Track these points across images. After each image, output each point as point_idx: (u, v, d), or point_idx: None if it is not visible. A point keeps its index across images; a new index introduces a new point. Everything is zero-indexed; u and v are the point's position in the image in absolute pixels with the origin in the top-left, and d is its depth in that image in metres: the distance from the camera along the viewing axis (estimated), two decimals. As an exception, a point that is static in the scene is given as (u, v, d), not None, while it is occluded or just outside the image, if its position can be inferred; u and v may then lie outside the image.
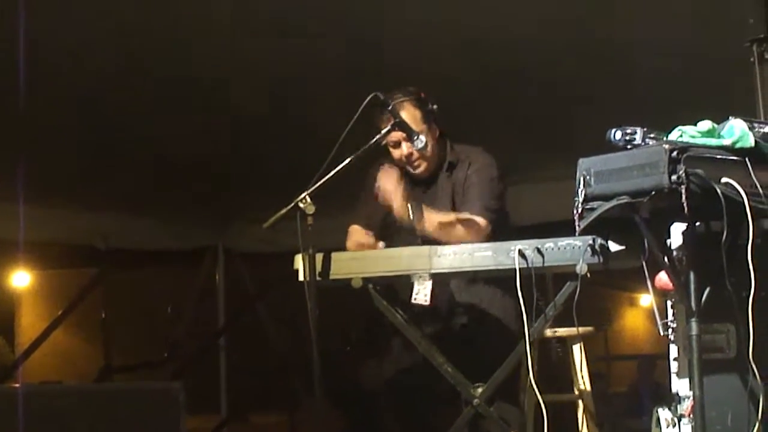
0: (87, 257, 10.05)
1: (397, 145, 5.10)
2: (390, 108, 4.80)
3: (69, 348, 10.89)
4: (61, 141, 7.24)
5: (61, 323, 9.98)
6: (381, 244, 5.02)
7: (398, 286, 4.82)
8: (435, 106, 5.10)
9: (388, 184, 4.93)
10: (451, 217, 4.93)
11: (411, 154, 5.08)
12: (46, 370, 9.74)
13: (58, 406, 5.44)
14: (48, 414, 5.37)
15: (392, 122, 4.83)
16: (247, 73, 6.51)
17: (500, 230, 4.97)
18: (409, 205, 4.86)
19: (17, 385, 7.56)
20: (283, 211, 4.49)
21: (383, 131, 4.84)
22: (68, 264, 10.75)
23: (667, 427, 4.22)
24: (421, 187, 5.17)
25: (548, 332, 5.41)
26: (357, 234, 5.21)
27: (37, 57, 5.78)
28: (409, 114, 4.99)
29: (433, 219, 4.86)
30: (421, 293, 4.67)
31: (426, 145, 4.97)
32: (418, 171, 5.15)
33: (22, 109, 6.28)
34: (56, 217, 8.67)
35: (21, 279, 10.95)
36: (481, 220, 4.93)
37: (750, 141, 3.92)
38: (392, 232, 5.11)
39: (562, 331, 5.49)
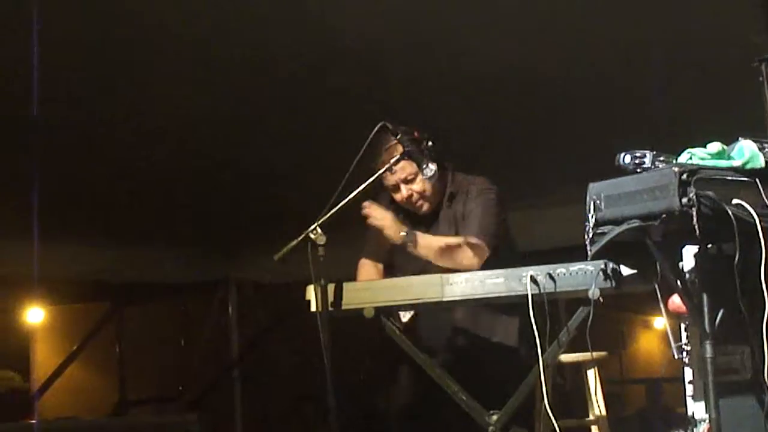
0: (100, 292, 10.08)
1: (396, 188, 5.10)
2: (398, 137, 4.80)
3: (84, 383, 10.88)
4: (72, 176, 7.26)
5: (76, 358, 9.99)
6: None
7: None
8: (430, 143, 4.98)
9: (375, 217, 4.94)
10: (443, 241, 4.93)
11: (411, 195, 5.10)
12: (61, 405, 9.74)
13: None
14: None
15: (401, 152, 4.83)
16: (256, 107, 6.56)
17: (507, 257, 4.96)
18: (404, 233, 4.87)
19: (33, 421, 7.56)
20: (294, 242, 4.50)
21: (392, 160, 4.85)
22: (82, 299, 10.77)
23: (684, 450, 4.21)
24: (423, 224, 5.16)
25: (562, 357, 5.39)
26: (366, 268, 5.21)
27: (46, 89, 5.82)
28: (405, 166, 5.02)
29: (426, 243, 4.87)
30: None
31: (431, 178, 4.96)
32: (422, 211, 5.15)
33: (33, 145, 6.31)
34: (69, 253, 8.69)
35: (35, 315, 10.95)
36: (478, 241, 4.92)
37: (760, 161, 3.92)
38: (403, 261, 5.11)
39: (575, 356, 5.48)
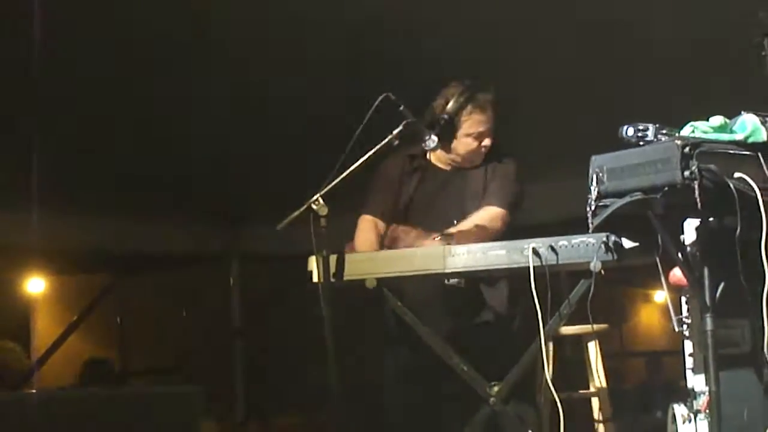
0: (101, 263, 10.09)
1: (482, 136, 5.11)
2: (401, 108, 4.80)
3: (85, 353, 10.91)
4: (75, 147, 7.26)
5: (77, 328, 10.01)
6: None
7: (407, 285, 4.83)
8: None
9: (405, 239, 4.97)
10: (469, 223, 4.93)
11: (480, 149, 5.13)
12: (61, 375, 9.76)
13: (74, 411, 5.45)
14: (64, 419, 5.38)
15: (404, 122, 4.83)
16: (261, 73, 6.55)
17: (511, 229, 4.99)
18: (436, 238, 4.86)
19: (33, 390, 7.58)
20: (296, 213, 4.50)
21: (395, 131, 4.84)
22: (83, 270, 10.78)
23: (683, 423, 4.22)
24: (449, 184, 5.20)
25: (563, 330, 5.40)
26: (365, 225, 5.20)
27: (49, 61, 5.82)
28: (492, 114, 5.07)
29: (461, 236, 4.85)
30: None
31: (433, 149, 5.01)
32: (474, 163, 5.17)
33: (35, 116, 6.31)
34: (70, 223, 8.69)
35: (36, 285, 10.96)
36: (498, 209, 4.99)
37: (762, 135, 3.92)
38: (409, 219, 5.12)
39: (576, 329, 5.49)
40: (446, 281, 4.77)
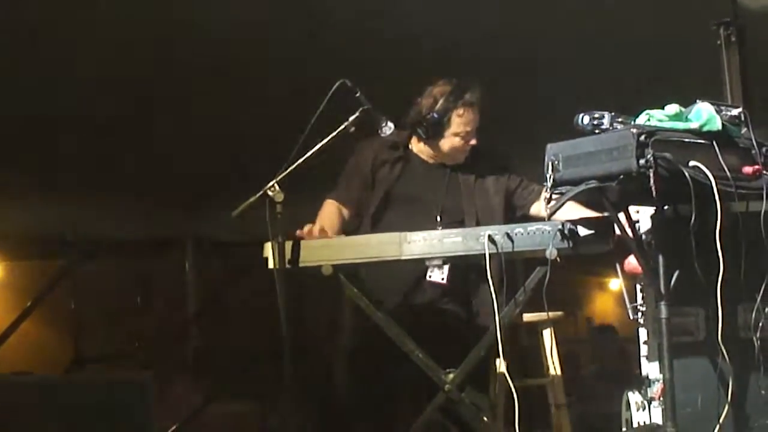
0: (56, 248, 10.01)
1: (469, 135, 5.10)
2: (357, 95, 4.78)
3: (39, 339, 10.84)
4: (29, 130, 7.20)
5: (31, 314, 9.93)
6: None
7: (364, 272, 4.81)
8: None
9: None
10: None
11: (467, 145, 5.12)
12: (16, 361, 9.69)
13: (28, 396, 5.43)
14: (18, 405, 5.35)
15: (360, 109, 4.81)
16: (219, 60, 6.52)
17: None
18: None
19: (-13, 376, 7.53)
20: (252, 199, 4.47)
21: (351, 118, 4.82)
22: (37, 255, 10.70)
23: (637, 410, 4.25)
24: (440, 174, 5.19)
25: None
26: (328, 208, 5.15)
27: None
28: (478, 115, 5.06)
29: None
30: (437, 275, 4.74)
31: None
32: (457, 160, 5.16)
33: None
34: (24, 208, 8.63)
35: (-10, 271, 10.89)
36: None
37: (717, 124, 3.94)
38: (389, 209, 5.11)
39: (531, 317, 5.50)
40: (428, 277, 4.76)
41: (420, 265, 4.71)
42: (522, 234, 4.42)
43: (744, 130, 4.02)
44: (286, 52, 6.49)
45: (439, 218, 4.99)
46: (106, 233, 9.50)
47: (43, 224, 9.09)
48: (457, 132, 5.06)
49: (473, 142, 5.11)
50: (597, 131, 3.96)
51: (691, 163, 3.81)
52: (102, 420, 5.65)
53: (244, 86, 6.89)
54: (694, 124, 3.93)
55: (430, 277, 4.76)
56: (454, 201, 5.09)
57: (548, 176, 3.96)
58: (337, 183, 5.21)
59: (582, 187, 3.88)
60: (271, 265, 4.50)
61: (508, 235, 4.42)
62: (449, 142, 5.09)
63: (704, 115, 3.94)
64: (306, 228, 4.73)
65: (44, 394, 5.54)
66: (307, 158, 4.56)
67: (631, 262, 4.26)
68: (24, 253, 10.56)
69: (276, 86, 6.86)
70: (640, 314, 4.32)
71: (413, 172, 5.18)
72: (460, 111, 5.02)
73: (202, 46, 6.42)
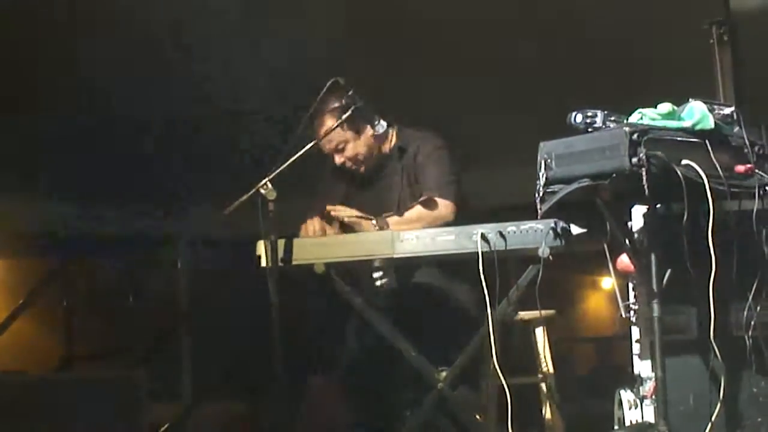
0: (47, 246, 9.98)
1: (337, 151, 5.09)
2: (350, 93, 4.78)
3: (30, 337, 10.80)
4: (19, 128, 7.18)
5: (22, 312, 9.91)
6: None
7: (359, 270, 4.81)
8: (360, 104, 4.84)
9: (344, 218, 4.95)
10: (413, 213, 4.90)
11: (344, 162, 5.12)
12: (7, 359, 9.67)
13: (19, 395, 5.42)
14: (9, 403, 5.34)
15: (353, 107, 4.81)
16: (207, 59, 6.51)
17: (459, 215, 4.98)
18: (372, 223, 4.84)
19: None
20: (245, 197, 4.47)
21: (344, 116, 4.82)
22: (28, 253, 10.67)
23: (630, 408, 4.24)
24: (367, 176, 5.16)
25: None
26: (311, 226, 5.16)
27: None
28: (327, 129, 4.97)
29: (398, 224, 4.83)
30: (384, 279, 4.72)
31: (361, 145, 5.06)
32: (361, 172, 5.16)
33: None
34: (16, 207, 8.60)
35: (-20, 269, 10.85)
36: (442, 201, 4.92)
37: (710, 123, 3.94)
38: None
39: (524, 315, 5.50)
40: (376, 284, 4.76)
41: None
42: (515, 232, 4.43)
43: (736, 128, 4.03)
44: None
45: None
46: (97, 232, 9.47)
47: (33, 222, 9.06)
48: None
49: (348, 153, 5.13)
50: (590, 129, 3.96)
51: (684, 161, 3.81)
52: (93, 418, 5.64)
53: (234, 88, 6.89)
54: (686, 123, 3.94)
55: (378, 284, 4.79)
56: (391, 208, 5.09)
57: (541, 174, 3.97)
58: (316, 200, 5.20)
59: (574, 185, 3.88)
60: (263, 263, 4.50)
61: (501, 233, 4.43)
62: None
63: (697, 113, 3.95)
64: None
65: (35, 392, 5.53)
66: (299, 156, 4.56)
67: (624, 260, 4.26)
68: (14, 252, 10.52)
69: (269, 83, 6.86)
70: (632, 313, 4.32)
71: (353, 184, 5.24)
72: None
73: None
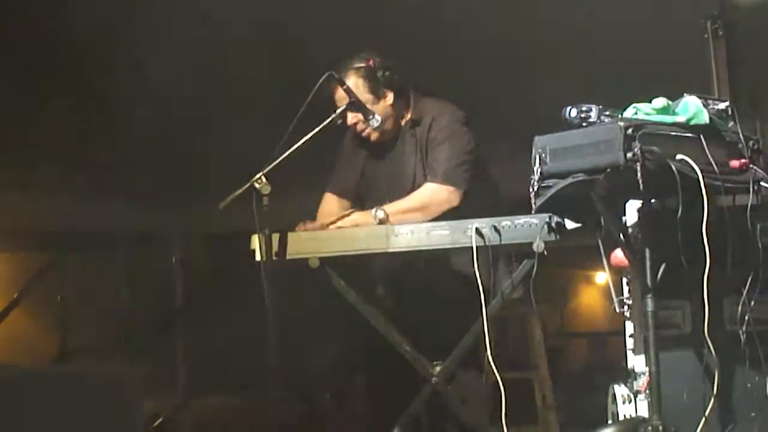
0: (43, 240, 9.98)
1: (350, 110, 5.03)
2: (345, 88, 4.78)
3: (25, 331, 10.80)
4: (16, 122, 7.18)
5: (17, 306, 9.91)
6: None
7: (355, 265, 4.80)
8: (387, 72, 4.93)
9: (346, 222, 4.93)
10: (414, 202, 4.87)
11: (356, 123, 5.03)
12: (1, 353, 9.67)
13: (12, 389, 5.41)
14: (3, 397, 5.33)
15: (347, 101, 4.81)
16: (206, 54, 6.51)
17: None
18: (373, 212, 4.81)
19: (-27, 368, 7.50)
20: (239, 191, 4.46)
21: (338, 111, 4.82)
22: (23, 247, 10.67)
23: (623, 403, 4.25)
24: (383, 148, 5.12)
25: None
26: (329, 202, 5.15)
27: None
28: (353, 85, 4.90)
29: (397, 214, 4.80)
30: None
31: (377, 127, 4.96)
32: (372, 139, 5.09)
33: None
34: (11, 201, 8.60)
35: (-25, 263, 10.84)
36: (446, 188, 4.89)
37: (704, 118, 3.94)
38: (369, 196, 5.09)
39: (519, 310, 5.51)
40: None
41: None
42: (509, 226, 4.42)
43: (731, 123, 4.03)
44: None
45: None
46: (92, 226, 9.47)
47: (29, 216, 9.06)
48: None
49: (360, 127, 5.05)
50: (584, 124, 3.97)
51: (678, 156, 3.82)
52: (87, 413, 5.64)
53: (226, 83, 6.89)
54: (681, 118, 3.94)
55: None
56: (399, 187, 5.04)
57: (535, 169, 3.97)
58: (333, 174, 5.19)
59: (569, 180, 3.89)
60: (258, 257, 4.50)
61: (495, 227, 4.43)
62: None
63: (691, 108, 3.95)
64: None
65: (29, 386, 5.52)
66: (293, 150, 4.55)
67: (618, 255, 4.26)
68: (9, 245, 10.52)
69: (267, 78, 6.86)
70: (626, 307, 4.33)
71: (374, 156, 5.16)
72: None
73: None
